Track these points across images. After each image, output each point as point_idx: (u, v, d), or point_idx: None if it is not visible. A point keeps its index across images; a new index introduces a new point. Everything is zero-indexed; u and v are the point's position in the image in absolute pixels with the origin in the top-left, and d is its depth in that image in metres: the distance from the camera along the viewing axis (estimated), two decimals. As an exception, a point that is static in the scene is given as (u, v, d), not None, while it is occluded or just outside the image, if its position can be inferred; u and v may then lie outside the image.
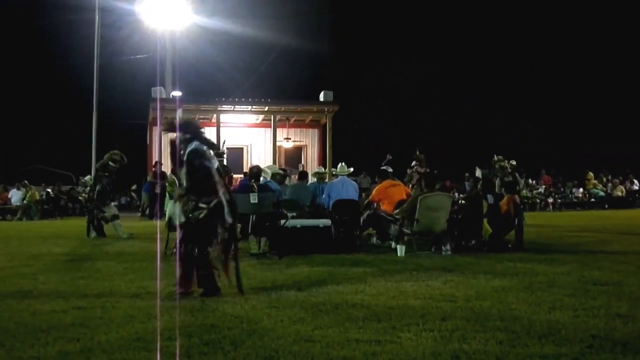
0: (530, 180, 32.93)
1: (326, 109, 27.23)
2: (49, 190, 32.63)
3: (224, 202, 7.79)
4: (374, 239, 14.57)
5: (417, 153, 19.01)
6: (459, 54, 44.87)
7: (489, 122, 44.35)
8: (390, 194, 14.01)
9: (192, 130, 8.12)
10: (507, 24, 44.59)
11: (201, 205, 7.76)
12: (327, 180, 17.09)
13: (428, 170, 18.43)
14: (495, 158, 19.86)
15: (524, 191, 30.55)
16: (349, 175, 15.61)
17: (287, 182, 16.41)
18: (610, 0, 44.38)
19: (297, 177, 16.10)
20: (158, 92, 26.42)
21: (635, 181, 35.09)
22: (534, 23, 44.28)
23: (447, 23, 45.04)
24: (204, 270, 7.80)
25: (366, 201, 14.79)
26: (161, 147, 25.78)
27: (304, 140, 30.08)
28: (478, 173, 23.02)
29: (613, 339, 5.65)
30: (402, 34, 45.20)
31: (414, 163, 18.73)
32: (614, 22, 43.60)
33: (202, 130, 8.30)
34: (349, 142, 38.70)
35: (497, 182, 17.97)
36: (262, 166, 14.87)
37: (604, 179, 35.11)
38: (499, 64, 44.65)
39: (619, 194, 34.03)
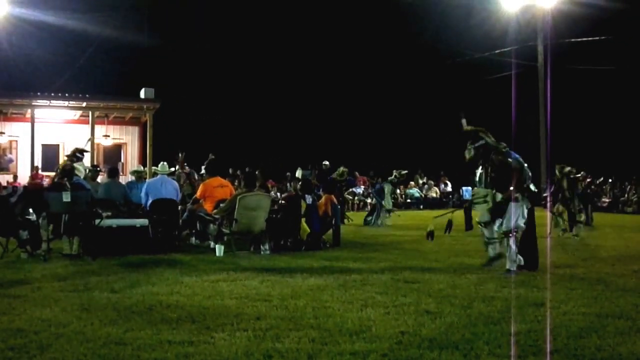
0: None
1: (146, 107, 26.66)
2: None
3: None
4: (193, 238, 14.40)
5: (179, 155, 19.97)
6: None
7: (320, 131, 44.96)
8: (215, 193, 13.78)
9: None
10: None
11: None
12: (147, 178, 16.68)
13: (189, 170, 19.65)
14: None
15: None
16: (170, 174, 15.35)
17: (98, 179, 15.89)
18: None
19: (106, 174, 15.39)
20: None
21: (448, 183, 36.70)
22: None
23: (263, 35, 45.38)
24: None
25: (194, 197, 14.54)
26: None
27: (124, 138, 29.31)
28: (299, 174, 23.35)
29: (421, 335, 5.88)
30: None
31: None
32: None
33: None
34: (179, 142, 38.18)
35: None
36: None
37: (420, 181, 36.45)
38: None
39: (434, 195, 35.48)
